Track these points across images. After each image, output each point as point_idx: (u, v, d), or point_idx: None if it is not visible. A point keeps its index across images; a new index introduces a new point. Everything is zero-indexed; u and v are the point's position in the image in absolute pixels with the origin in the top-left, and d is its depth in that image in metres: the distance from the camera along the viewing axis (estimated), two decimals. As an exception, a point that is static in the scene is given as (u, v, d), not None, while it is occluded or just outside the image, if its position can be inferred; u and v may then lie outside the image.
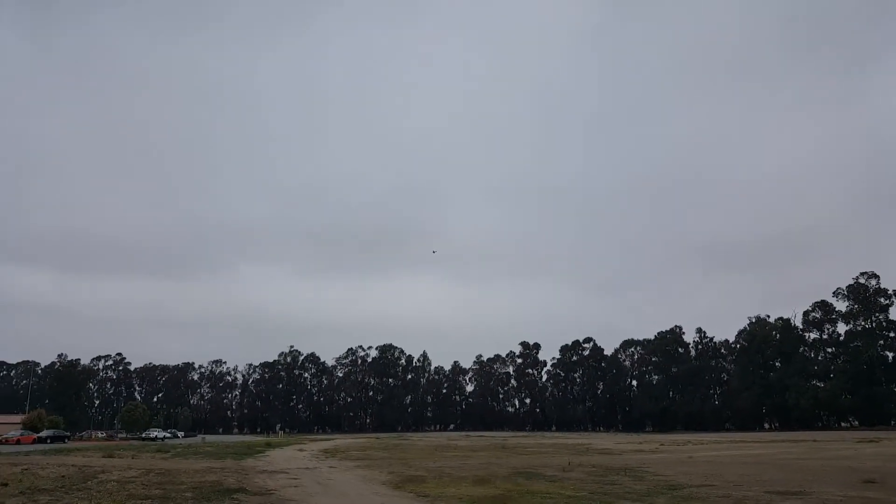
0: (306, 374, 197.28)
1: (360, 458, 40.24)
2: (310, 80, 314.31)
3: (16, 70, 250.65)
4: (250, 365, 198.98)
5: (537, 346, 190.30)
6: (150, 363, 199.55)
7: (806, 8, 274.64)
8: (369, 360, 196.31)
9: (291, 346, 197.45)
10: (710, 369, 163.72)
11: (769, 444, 57.16)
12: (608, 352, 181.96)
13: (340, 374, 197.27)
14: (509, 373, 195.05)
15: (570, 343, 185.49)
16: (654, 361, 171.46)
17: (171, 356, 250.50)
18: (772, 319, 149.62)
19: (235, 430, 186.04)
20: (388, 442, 75.34)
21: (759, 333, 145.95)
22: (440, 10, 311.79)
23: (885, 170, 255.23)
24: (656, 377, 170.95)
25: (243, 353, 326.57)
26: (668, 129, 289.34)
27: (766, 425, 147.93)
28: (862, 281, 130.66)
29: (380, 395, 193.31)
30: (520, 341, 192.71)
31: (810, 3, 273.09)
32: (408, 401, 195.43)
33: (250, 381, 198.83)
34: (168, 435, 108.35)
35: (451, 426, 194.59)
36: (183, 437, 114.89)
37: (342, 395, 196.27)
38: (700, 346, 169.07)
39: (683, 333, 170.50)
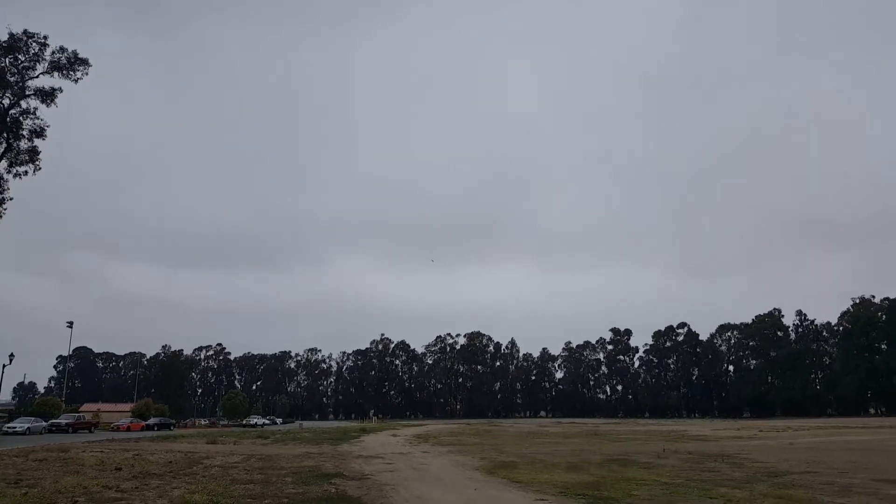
0: (397, 362, 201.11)
1: (452, 444, 40.64)
2: (397, 70, 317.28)
3: (121, 74, 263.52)
4: (344, 353, 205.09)
5: (628, 332, 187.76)
6: (248, 352, 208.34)
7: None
8: (458, 347, 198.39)
9: (382, 335, 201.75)
10: (811, 353, 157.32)
11: (876, 430, 54.16)
12: (703, 337, 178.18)
13: (430, 362, 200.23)
14: (600, 359, 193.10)
15: (663, 329, 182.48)
16: (752, 346, 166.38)
17: (268, 345, 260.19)
18: (877, 300, 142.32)
19: (331, 417, 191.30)
20: (478, 428, 75.67)
21: (864, 315, 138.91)
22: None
23: None
24: (754, 362, 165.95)
25: (337, 341, 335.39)
26: (760, 99, 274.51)
27: (872, 410, 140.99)
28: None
29: (469, 381, 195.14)
30: (610, 327, 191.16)
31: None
32: (497, 387, 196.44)
33: (344, 368, 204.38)
34: (267, 422, 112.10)
35: (542, 413, 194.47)
36: (281, 423, 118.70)
37: (432, 381, 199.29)
38: (800, 329, 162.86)
39: (782, 316, 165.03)
